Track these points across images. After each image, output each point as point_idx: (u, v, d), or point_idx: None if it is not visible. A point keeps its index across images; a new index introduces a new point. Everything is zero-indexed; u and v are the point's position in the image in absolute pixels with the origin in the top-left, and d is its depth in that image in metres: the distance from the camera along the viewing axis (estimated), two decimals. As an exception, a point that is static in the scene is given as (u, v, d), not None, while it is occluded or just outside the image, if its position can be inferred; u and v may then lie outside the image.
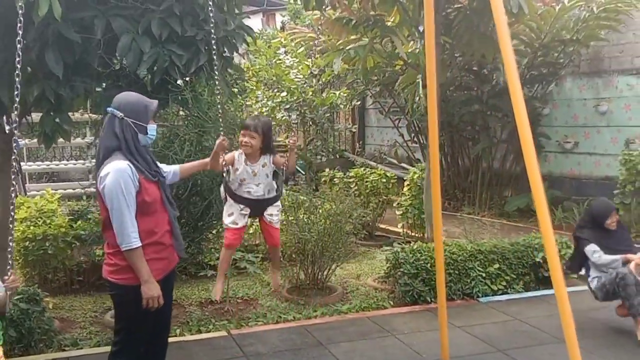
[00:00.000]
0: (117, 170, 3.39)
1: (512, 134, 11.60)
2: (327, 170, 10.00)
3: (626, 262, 5.36)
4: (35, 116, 5.79)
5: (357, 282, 7.19)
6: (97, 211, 7.07)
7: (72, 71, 5.21)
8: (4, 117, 5.41)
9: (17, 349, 4.98)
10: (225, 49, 5.81)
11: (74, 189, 10.25)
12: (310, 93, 10.79)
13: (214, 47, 4.53)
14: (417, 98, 9.46)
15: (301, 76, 10.90)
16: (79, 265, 6.92)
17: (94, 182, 6.87)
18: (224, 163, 4.22)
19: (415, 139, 13.01)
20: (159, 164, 3.82)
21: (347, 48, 7.89)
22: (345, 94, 11.52)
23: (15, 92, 3.54)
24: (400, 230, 9.11)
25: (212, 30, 4.57)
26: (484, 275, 6.42)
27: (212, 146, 5.69)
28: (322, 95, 11.19)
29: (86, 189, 8.48)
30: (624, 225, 5.88)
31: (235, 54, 6.11)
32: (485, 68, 11.27)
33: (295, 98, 10.67)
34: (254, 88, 10.00)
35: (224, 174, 4.33)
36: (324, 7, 7.30)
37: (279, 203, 4.53)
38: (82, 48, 5.12)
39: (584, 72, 11.13)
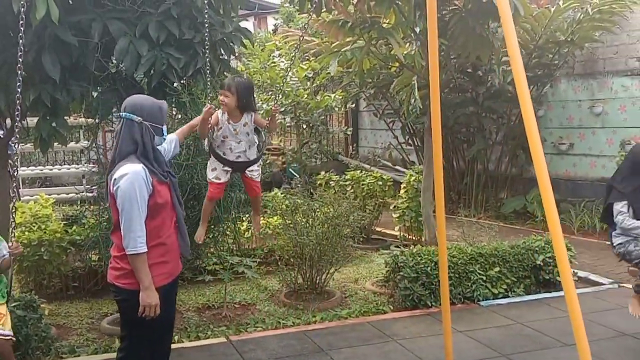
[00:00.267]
0: (133, 173, 3.37)
1: (507, 136, 11.62)
2: (322, 173, 9.94)
3: None
4: (29, 120, 5.73)
5: (356, 286, 7.14)
6: (92, 216, 7.00)
7: (68, 74, 5.15)
8: (-1, 122, 5.35)
9: (15, 356, 4.89)
10: (223, 52, 5.77)
11: (67, 194, 10.16)
12: (305, 96, 10.73)
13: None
14: (413, 100, 9.44)
15: (296, 79, 10.84)
16: (74, 271, 6.85)
17: (88, 186, 6.83)
18: (210, 126, 4.30)
19: (410, 141, 13.01)
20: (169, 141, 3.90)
21: (343, 50, 7.84)
22: (340, 97, 11.48)
23: (17, 96, 3.47)
24: (397, 233, 9.07)
25: (207, 32, 4.54)
26: (484, 278, 6.38)
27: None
28: (316, 98, 11.13)
29: (80, 194, 8.39)
30: None
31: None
32: (479, 70, 11.28)
33: (290, 101, 10.61)
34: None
35: (210, 132, 4.39)
36: (321, 9, 7.22)
37: (259, 163, 4.65)
38: (79, 51, 5.08)
39: (578, 74, 11.15)
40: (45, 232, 6.64)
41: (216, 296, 6.70)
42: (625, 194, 5.06)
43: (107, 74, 5.39)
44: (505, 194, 11.90)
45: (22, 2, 3.77)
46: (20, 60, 3.66)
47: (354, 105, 15.06)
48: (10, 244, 3.97)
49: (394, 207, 8.96)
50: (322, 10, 7.49)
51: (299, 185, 10.09)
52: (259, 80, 10.71)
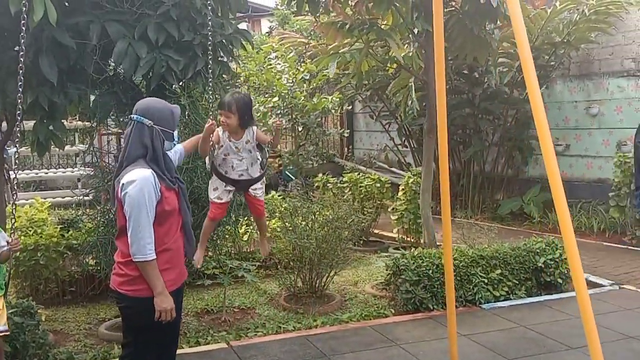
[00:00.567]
0: (142, 179, 3.29)
1: (503, 137, 11.62)
2: (320, 175, 9.90)
3: None
4: (25, 123, 5.66)
5: (355, 290, 7.09)
6: (88, 220, 6.94)
7: (66, 77, 5.09)
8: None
9: (12, 364, 4.83)
10: (222, 54, 5.71)
11: (63, 197, 10.07)
12: (302, 98, 10.69)
13: (217, 50, 4.40)
14: (410, 102, 9.42)
15: (292, 81, 10.80)
16: (71, 276, 6.77)
17: (84, 190, 6.75)
18: (211, 144, 4.19)
19: (406, 142, 12.99)
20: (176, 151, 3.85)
21: (341, 51, 7.80)
22: (337, 99, 11.45)
23: (18, 97, 3.40)
24: (395, 235, 9.04)
25: (215, 31, 4.46)
26: (486, 281, 6.34)
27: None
28: (312, 100, 11.10)
29: (76, 197, 8.30)
30: None
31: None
32: (476, 71, 11.27)
33: (286, 103, 10.57)
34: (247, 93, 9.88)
35: (211, 150, 4.27)
36: (319, 10, 7.17)
37: (262, 181, 4.49)
38: (77, 54, 5.01)
39: (574, 75, 11.17)
40: (41, 237, 6.55)
41: (215, 300, 6.63)
42: None
43: (105, 76, 5.32)
44: (501, 195, 11.90)
45: (23, 2, 3.70)
46: (21, 61, 3.59)
47: (350, 107, 15.03)
48: (10, 239, 3.93)
49: (392, 209, 8.92)
50: (321, 12, 7.45)
51: (298, 187, 10.02)
52: (254, 82, 10.66)
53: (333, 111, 11.72)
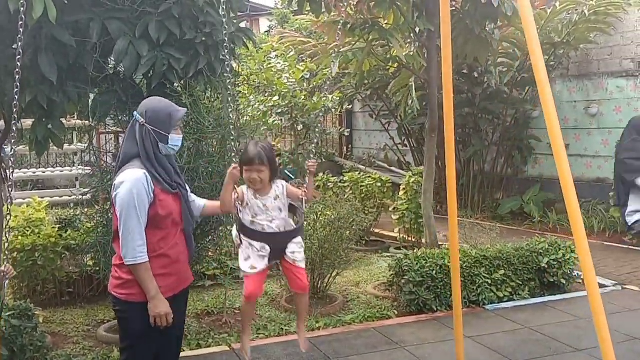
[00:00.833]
0: (132, 180, 3.21)
1: (503, 137, 11.59)
2: (320, 174, 9.84)
3: None
4: (22, 122, 5.58)
5: (357, 290, 7.03)
6: (86, 220, 6.86)
7: (65, 76, 5.00)
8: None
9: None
10: (224, 52, 5.62)
11: (60, 197, 9.99)
12: (302, 97, 10.63)
13: (226, 46, 4.17)
14: (410, 101, 9.36)
15: (293, 80, 10.74)
16: (69, 277, 6.69)
17: (82, 189, 6.69)
18: (236, 197, 3.60)
19: (406, 142, 12.94)
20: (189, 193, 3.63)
21: (343, 50, 7.74)
22: (337, 97, 11.40)
23: (15, 93, 3.32)
24: (396, 235, 8.98)
25: (225, 27, 4.25)
26: (489, 282, 6.30)
27: (212, 152, 5.59)
28: (312, 99, 11.04)
29: (74, 197, 8.23)
30: None
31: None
32: (475, 71, 11.23)
33: (286, 102, 10.51)
34: (246, 93, 9.82)
35: (237, 211, 3.64)
36: (321, 10, 7.11)
37: (300, 239, 3.73)
38: (77, 52, 4.92)
39: (573, 75, 11.15)
40: (39, 237, 6.47)
41: (215, 301, 6.55)
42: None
43: (105, 75, 5.24)
44: (500, 194, 11.88)
45: (21, 2, 3.62)
46: (19, 61, 3.51)
47: (350, 107, 14.99)
48: (3, 266, 3.54)
49: (394, 208, 8.87)
50: (323, 12, 7.38)
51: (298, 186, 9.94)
52: (254, 81, 10.59)
53: (333, 110, 11.65)
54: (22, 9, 3.55)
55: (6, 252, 3.88)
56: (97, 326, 5.95)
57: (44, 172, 11.16)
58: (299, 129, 11.15)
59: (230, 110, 5.54)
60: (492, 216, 11.10)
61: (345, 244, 6.51)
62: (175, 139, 3.40)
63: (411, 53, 8.25)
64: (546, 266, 6.50)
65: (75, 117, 7.39)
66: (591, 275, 3.02)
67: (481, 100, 11.27)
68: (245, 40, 5.60)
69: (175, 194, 3.39)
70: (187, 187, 3.61)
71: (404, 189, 8.69)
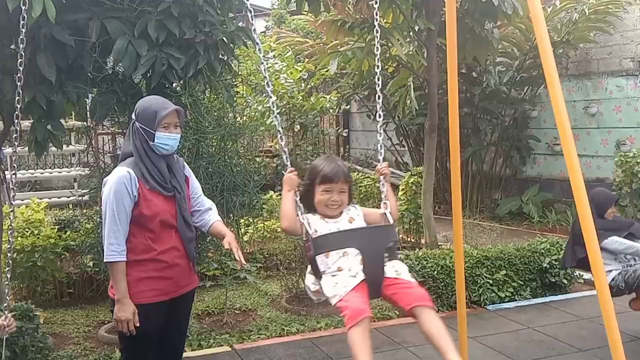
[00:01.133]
0: (114, 178, 3.20)
1: (502, 137, 11.57)
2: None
3: None
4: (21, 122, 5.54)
5: (357, 290, 6.99)
6: (85, 220, 6.82)
7: (64, 76, 4.98)
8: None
9: (11, 369, 4.72)
10: (224, 52, 5.61)
11: (59, 197, 9.95)
12: (300, 97, 10.61)
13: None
14: (409, 101, 9.36)
15: (291, 80, 10.72)
16: (69, 277, 6.67)
17: (80, 190, 6.67)
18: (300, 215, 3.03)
19: (404, 142, 12.92)
20: (205, 200, 3.55)
21: (342, 49, 7.73)
22: (335, 98, 11.39)
23: (17, 93, 3.30)
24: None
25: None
26: (491, 282, 6.28)
27: (212, 152, 5.56)
28: (310, 100, 11.03)
29: (74, 197, 8.21)
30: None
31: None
32: (474, 71, 11.21)
33: (284, 102, 10.49)
34: (244, 93, 9.79)
35: (303, 231, 3.04)
36: (320, 9, 7.10)
37: (398, 256, 3.11)
38: (76, 52, 4.90)
39: (572, 74, 11.13)
40: (38, 238, 6.45)
41: (215, 302, 6.53)
42: (606, 229, 5.08)
43: (104, 75, 5.21)
44: (499, 195, 11.86)
45: (22, 0, 3.59)
46: (20, 61, 3.48)
47: (348, 107, 14.98)
48: (4, 317, 3.37)
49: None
50: (321, 11, 7.37)
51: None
52: (252, 82, 10.56)
53: (331, 110, 11.64)
54: (23, 7, 3.52)
55: (7, 254, 3.79)
56: (98, 327, 5.93)
57: (42, 173, 11.12)
58: (297, 129, 11.13)
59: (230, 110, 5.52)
60: (490, 216, 11.08)
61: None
62: (163, 137, 3.26)
63: (410, 52, 8.24)
64: (548, 266, 6.49)
65: (73, 118, 7.37)
66: (601, 275, 3.00)
67: (480, 100, 11.26)
68: (244, 39, 5.58)
69: (168, 196, 3.31)
70: (197, 192, 3.54)
71: (402, 189, 8.67)
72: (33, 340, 4.89)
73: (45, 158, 11.57)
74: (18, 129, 3.33)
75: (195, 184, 3.57)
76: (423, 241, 7.91)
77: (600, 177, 10.55)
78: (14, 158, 3.30)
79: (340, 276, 2.87)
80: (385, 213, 3.14)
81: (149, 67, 5.01)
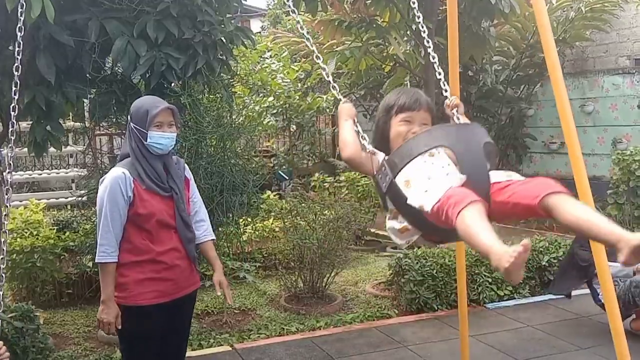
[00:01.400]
0: (108, 179, 3.19)
1: (498, 135, 11.58)
2: (317, 174, 9.83)
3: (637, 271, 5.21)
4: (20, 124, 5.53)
5: (356, 290, 7.01)
6: (82, 221, 6.81)
7: (64, 76, 4.97)
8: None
9: (12, 370, 4.71)
10: (222, 52, 5.61)
11: (57, 198, 9.95)
12: (297, 97, 10.62)
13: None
14: (406, 100, 9.36)
15: (287, 80, 10.72)
16: (68, 278, 6.65)
17: (78, 191, 6.66)
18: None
19: (401, 141, 12.93)
20: (201, 210, 3.53)
21: (340, 48, 7.74)
22: (332, 98, 11.39)
23: (14, 93, 3.29)
24: (393, 234, 8.96)
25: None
26: (490, 280, 6.29)
27: (212, 153, 5.55)
28: (306, 100, 11.04)
29: (72, 198, 8.19)
30: None
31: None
32: (470, 69, 11.23)
33: (281, 102, 10.49)
34: (241, 93, 9.79)
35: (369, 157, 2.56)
36: (317, 9, 7.10)
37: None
38: (75, 52, 4.90)
39: (568, 73, 11.15)
40: (37, 238, 6.44)
41: (215, 302, 6.53)
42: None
43: (103, 75, 5.21)
44: (496, 193, 11.86)
45: (20, 2, 3.58)
46: (19, 59, 3.47)
47: (345, 107, 14.98)
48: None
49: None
50: (318, 11, 7.37)
51: (298, 187, 9.94)
52: (249, 81, 10.57)
53: (328, 110, 11.65)
54: (20, 10, 3.51)
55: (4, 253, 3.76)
56: (98, 327, 5.90)
57: (39, 174, 11.10)
58: (293, 129, 11.14)
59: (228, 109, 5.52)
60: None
61: (343, 243, 6.51)
62: (156, 136, 3.22)
63: (407, 51, 8.25)
64: (546, 264, 6.50)
65: (71, 119, 7.36)
66: (607, 275, 3.02)
67: (476, 98, 11.27)
68: (243, 39, 5.58)
69: (165, 196, 3.28)
70: (196, 197, 3.53)
71: (401, 188, 8.68)
72: (34, 341, 4.88)
73: (43, 159, 11.54)
74: (12, 130, 3.30)
75: (194, 188, 3.57)
76: (422, 240, 7.90)
77: (597, 175, 10.57)
78: (10, 155, 3.27)
79: (433, 181, 2.29)
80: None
81: (148, 67, 5.02)
